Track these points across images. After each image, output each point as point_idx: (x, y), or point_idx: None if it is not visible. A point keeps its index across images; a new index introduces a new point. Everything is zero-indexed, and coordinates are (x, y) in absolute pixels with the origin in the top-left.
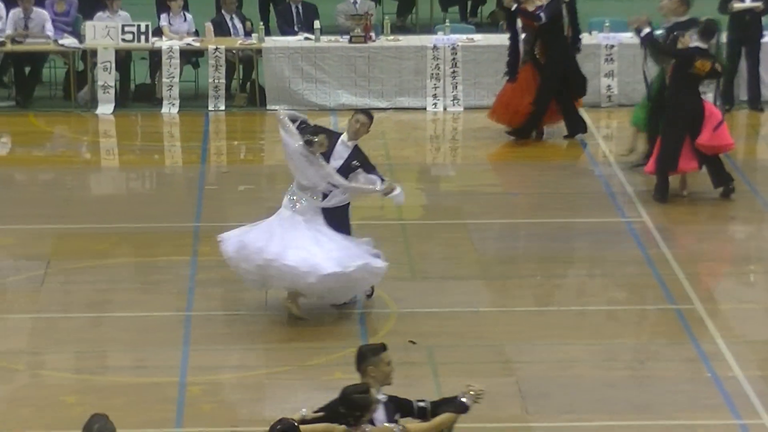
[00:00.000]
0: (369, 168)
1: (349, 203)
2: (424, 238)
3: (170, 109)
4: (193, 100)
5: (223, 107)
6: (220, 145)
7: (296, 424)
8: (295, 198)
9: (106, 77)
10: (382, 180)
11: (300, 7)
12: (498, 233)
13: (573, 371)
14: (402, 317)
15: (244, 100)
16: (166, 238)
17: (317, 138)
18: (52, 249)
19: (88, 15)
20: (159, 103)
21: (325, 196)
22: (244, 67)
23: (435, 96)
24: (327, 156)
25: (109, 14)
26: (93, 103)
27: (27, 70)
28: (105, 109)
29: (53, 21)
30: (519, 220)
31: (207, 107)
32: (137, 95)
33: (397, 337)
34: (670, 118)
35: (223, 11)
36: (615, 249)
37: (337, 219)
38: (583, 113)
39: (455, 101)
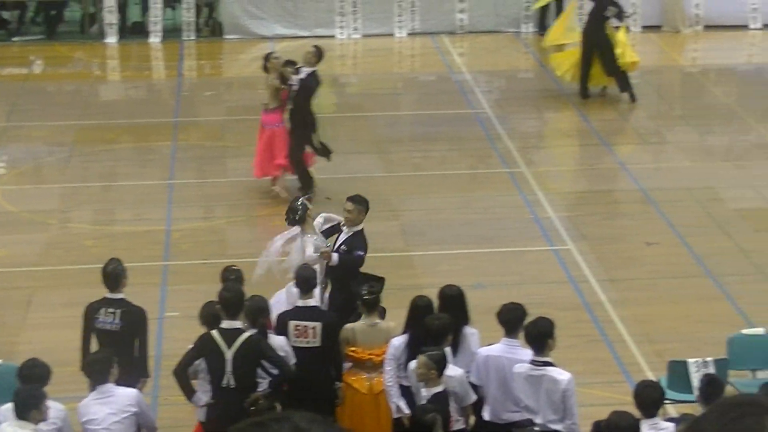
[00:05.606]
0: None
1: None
2: (336, 124)
3: (156, 39)
4: (172, 32)
5: (193, 37)
6: (191, 64)
7: None
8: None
9: (111, 17)
10: None
11: None
12: (387, 121)
13: (440, 216)
14: (320, 181)
15: (208, 32)
16: (155, 128)
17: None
18: (75, 138)
19: None
20: (148, 35)
21: None
22: (208, 9)
23: (341, 27)
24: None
25: None
26: (101, 35)
27: (53, 12)
28: (110, 39)
29: None
30: (402, 112)
31: (182, 38)
32: (132, 30)
33: (317, 195)
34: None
35: None
36: (467, 131)
37: None
38: (438, 41)
39: (355, 31)
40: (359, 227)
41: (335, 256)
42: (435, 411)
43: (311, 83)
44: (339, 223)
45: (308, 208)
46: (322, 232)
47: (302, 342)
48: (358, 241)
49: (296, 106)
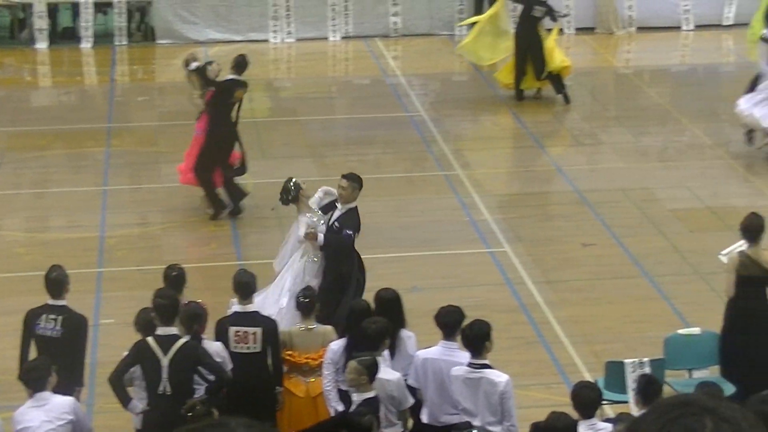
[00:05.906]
0: None
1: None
2: (270, 129)
3: (87, 45)
4: (103, 37)
5: (125, 42)
6: (124, 69)
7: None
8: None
9: (41, 23)
10: None
11: None
12: (322, 125)
13: (376, 219)
14: (256, 185)
15: (140, 37)
16: (88, 134)
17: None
18: (6, 145)
19: None
20: (79, 40)
21: None
22: (140, 14)
23: (275, 31)
24: None
25: None
26: (32, 41)
27: None
28: (41, 45)
29: None
30: (337, 116)
31: (114, 43)
32: (63, 35)
33: (253, 200)
34: (209, 142)
35: None
36: (402, 134)
37: None
38: (372, 45)
39: (289, 35)
40: (353, 204)
41: (320, 237)
42: (371, 414)
43: (228, 87)
44: (336, 200)
45: (301, 188)
46: (320, 208)
47: (243, 348)
48: (350, 218)
49: (207, 109)
